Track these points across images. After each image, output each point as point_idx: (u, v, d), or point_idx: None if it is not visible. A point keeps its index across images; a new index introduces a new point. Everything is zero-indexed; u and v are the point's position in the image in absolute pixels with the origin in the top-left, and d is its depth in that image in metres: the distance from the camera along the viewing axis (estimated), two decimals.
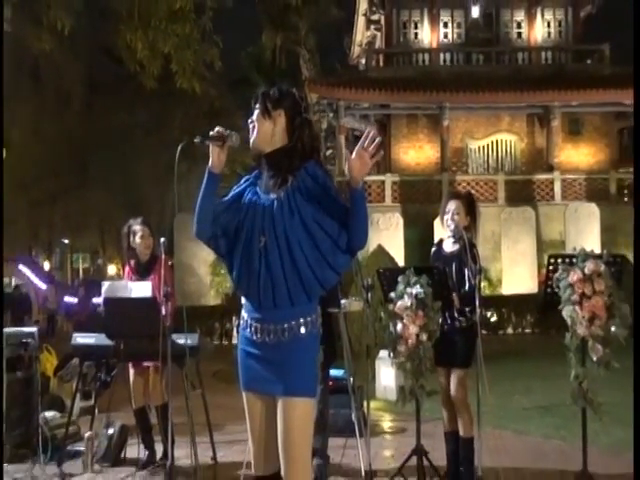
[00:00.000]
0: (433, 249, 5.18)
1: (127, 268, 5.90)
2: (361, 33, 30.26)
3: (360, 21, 29.31)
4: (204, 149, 2.99)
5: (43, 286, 19.35)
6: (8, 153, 10.23)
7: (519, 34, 27.17)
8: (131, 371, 5.73)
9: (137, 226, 5.74)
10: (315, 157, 2.98)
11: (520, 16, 27.06)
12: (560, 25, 27.18)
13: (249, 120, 2.94)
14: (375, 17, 28.09)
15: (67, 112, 24.62)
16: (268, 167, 2.95)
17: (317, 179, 2.86)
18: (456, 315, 4.83)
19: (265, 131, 2.90)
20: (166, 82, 15.80)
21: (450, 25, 27.15)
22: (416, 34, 27.11)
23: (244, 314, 2.97)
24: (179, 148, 3.01)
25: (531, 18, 26.83)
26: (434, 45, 26.74)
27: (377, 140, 2.74)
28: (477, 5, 26.70)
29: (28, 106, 21.60)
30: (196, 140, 2.89)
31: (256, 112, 2.92)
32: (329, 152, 30.13)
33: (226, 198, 2.98)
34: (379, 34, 28.76)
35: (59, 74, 22.69)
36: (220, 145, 2.87)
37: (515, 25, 27.21)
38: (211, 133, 2.88)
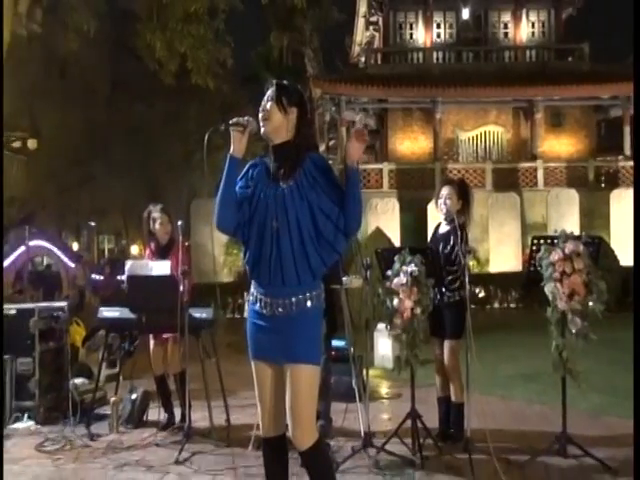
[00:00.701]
0: (432, 231, 5.20)
1: (148, 250, 5.92)
2: (361, 34, 30.12)
3: (360, 23, 29.17)
4: (219, 139, 3.00)
5: (72, 265, 19.35)
6: (39, 144, 10.21)
7: (505, 34, 27.04)
8: (151, 342, 5.75)
9: (156, 213, 5.75)
10: (315, 151, 3.02)
11: (506, 17, 26.92)
12: (543, 26, 27.03)
13: (261, 107, 2.95)
14: (374, 19, 27.99)
15: (92, 106, 24.55)
16: (276, 157, 2.96)
17: (321, 169, 2.90)
18: (447, 291, 4.84)
19: (278, 122, 2.92)
20: (182, 78, 15.77)
21: (442, 26, 27.02)
22: (411, 34, 26.99)
23: (253, 290, 2.99)
24: (207, 134, 3.04)
25: (516, 19, 26.69)
26: (428, 44, 26.62)
27: (367, 127, 2.78)
28: (467, 7, 26.60)
29: (57, 101, 21.54)
30: (221, 126, 2.94)
31: (270, 103, 2.93)
32: (332, 142, 30.00)
33: (240, 188, 2.98)
34: (377, 34, 28.64)
35: (85, 71, 22.65)
36: (241, 131, 2.91)
37: (502, 26, 27.07)
38: (232, 121, 2.90)
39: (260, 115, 2.94)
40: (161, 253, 5.72)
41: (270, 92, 2.95)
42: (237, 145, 2.93)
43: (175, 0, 14.41)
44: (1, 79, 8.35)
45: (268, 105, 2.93)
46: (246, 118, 2.94)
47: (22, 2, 13.43)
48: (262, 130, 2.94)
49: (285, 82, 3.02)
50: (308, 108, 3.05)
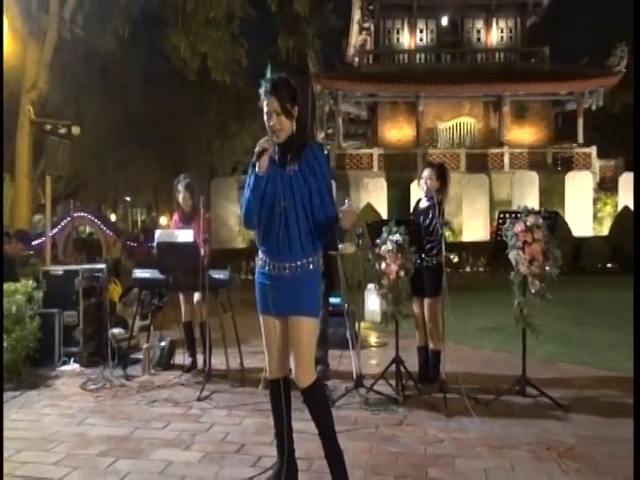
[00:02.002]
0: (413, 205, 5.17)
1: (176, 215, 5.91)
2: (355, 37, 29.80)
3: (354, 28, 28.88)
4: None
5: (110, 233, 19.35)
6: (82, 130, 10.11)
7: (478, 38, 26.78)
8: (181, 296, 5.78)
9: (181, 188, 5.73)
10: (310, 134, 2.98)
11: (479, 24, 26.67)
12: (510, 31, 26.80)
13: (270, 121, 2.82)
14: (366, 25, 27.75)
15: (127, 98, 24.36)
16: (280, 148, 2.91)
17: (319, 159, 2.90)
18: (426, 257, 4.83)
19: (288, 127, 2.86)
20: (204, 75, 15.66)
21: (425, 31, 26.77)
22: (398, 38, 26.74)
23: (262, 256, 2.99)
24: (250, 165, 2.91)
25: (488, 26, 26.46)
26: (412, 47, 26.40)
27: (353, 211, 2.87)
28: (446, 15, 26.42)
29: (97, 93, 21.37)
30: (254, 158, 2.83)
31: (279, 116, 2.80)
32: (330, 130, 29.82)
33: (252, 183, 2.90)
34: (369, 38, 28.36)
35: (121, 68, 22.45)
36: (266, 154, 2.82)
37: (475, 31, 26.82)
38: (256, 149, 2.82)
39: (271, 128, 2.82)
40: (186, 219, 5.73)
41: (270, 104, 2.80)
42: (262, 165, 2.83)
43: (197, 8, 14.26)
44: (1, 79, 8.20)
45: (276, 120, 2.80)
46: (265, 141, 2.81)
47: (67, 9, 13.25)
48: (277, 140, 2.84)
49: (277, 80, 2.83)
50: (302, 97, 2.96)
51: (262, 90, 2.84)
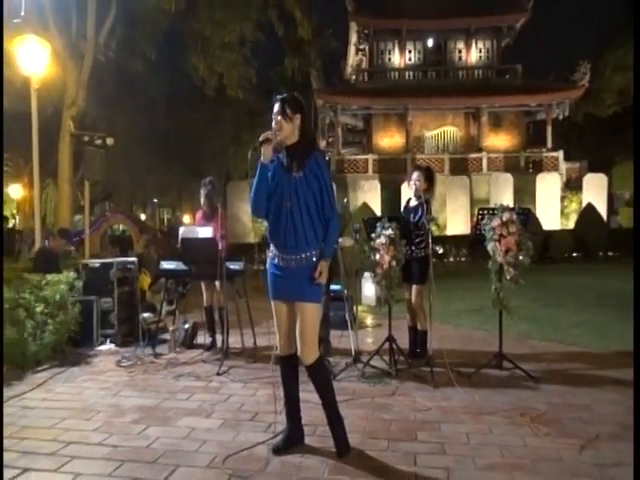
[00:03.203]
0: (404, 204, 5.15)
1: (199, 214, 5.89)
2: (352, 58, 29.61)
3: (351, 49, 28.69)
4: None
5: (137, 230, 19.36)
6: (115, 141, 10.12)
7: (460, 58, 26.60)
8: (202, 285, 5.78)
9: (202, 192, 5.74)
10: (317, 148, 3.00)
11: (460, 45, 26.50)
12: (487, 51, 26.61)
13: (273, 121, 2.89)
14: (362, 47, 27.59)
15: (154, 112, 24.30)
16: (288, 154, 2.94)
17: (322, 166, 2.91)
18: (415, 249, 4.82)
19: (288, 130, 2.90)
20: (220, 91, 15.61)
21: (413, 52, 26.60)
22: (389, 58, 26.58)
23: (272, 249, 3.00)
24: (250, 153, 2.96)
25: (468, 47, 26.29)
26: (402, 66, 26.25)
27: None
28: (431, 38, 26.28)
29: (128, 109, 21.33)
30: (256, 145, 2.89)
31: (279, 117, 2.87)
32: (330, 139, 29.72)
33: (257, 172, 2.94)
34: (364, 58, 28.20)
35: (148, 86, 22.39)
36: (269, 144, 2.87)
37: (457, 51, 26.63)
38: (260, 138, 2.87)
39: (273, 127, 2.89)
40: (208, 217, 5.72)
41: (276, 108, 2.89)
42: (267, 155, 2.89)
43: (214, 33, 14.21)
44: (1, 81, 8.14)
45: (278, 119, 2.88)
46: (270, 132, 2.88)
47: (102, 35, 13.22)
48: (278, 139, 2.89)
49: (286, 95, 2.93)
50: (307, 111, 2.99)
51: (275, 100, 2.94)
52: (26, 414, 3.67)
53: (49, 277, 5.50)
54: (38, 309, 5.07)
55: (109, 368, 4.93)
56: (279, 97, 2.92)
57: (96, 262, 6.21)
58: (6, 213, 21.89)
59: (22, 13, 9.99)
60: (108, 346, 5.73)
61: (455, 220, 20.49)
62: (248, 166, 3.12)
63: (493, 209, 4.41)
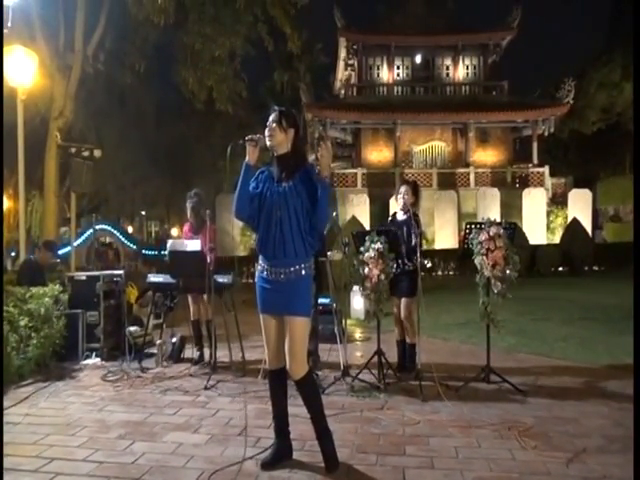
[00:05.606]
0: (390, 218, 5.17)
1: (186, 226, 5.88)
2: (341, 73, 29.86)
3: (341, 64, 28.94)
4: (238, 151, 2.99)
5: (128, 244, 19.23)
6: (103, 153, 10.07)
7: (447, 74, 26.93)
8: (189, 298, 5.76)
9: (188, 205, 5.74)
10: (306, 160, 3.02)
11: (448, 61, 26.83)
12: (474, 68, 26.97)
13: (267, 127, 2.92)
14: (351, 62, 27.85)
15: (143, 125, 24.27)
16: (278, 164, 2.96)
17: (311, 178, 2.89)
18: (404, 262, 4.83)
19: (280, 138, 2.92)
20: (209, 105, 15.62)
21: (401, 67, 26.90)
22: (378, 74, 26.84)
23: (261, 262, 2.99)
24: (230, 146, 3.02)
25: (455, 63, 26.63)
26: (390, 81, 26.50)
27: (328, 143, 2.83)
28: (419, 54, 26.59)
29: (116, 121, 21.27)
30: (240, 141, 2.92)
31: (274, 124, 2.91)
32: (319, 153, 29.85)
33: (252, 188, 2.95)
34: (353, 73, 28.45)
35: (137, 99, 22.36)
36: (254, 145, 2.90)
37: (445, 68, 26.97)
38: (247, 137, 2.88)
39: (267, 133, 2.91)
40: (195, 230, 5.72)
41: (274, 116, 2.92)
42: (251, 155, 2.91)
43: (204, 47, 14.25)
44: (1, 85, 8.12)
45: (272, 125, 2.91)
46: (258, 135, 2.92)
47: (90, 47, 13.23)
48: (268, 144, 2.92)
49: (284, 108, 2.97)
50: (301, 127, 3.03)
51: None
52: (9, 430, 3.60)
53: (34, 290, 5.44)
54: (22, 322, 5.01)
55: (95, 382, 4.86)
56: (278, 108, 2.96)
57: (82, 275, 6.16)
58: None
59: (9, 24, 9.97)
60: (94, 360, 5.66)
61: (443, 234, 20.61)
62: (227, 160, 3.13)
63: (480, 223, 4.44)
